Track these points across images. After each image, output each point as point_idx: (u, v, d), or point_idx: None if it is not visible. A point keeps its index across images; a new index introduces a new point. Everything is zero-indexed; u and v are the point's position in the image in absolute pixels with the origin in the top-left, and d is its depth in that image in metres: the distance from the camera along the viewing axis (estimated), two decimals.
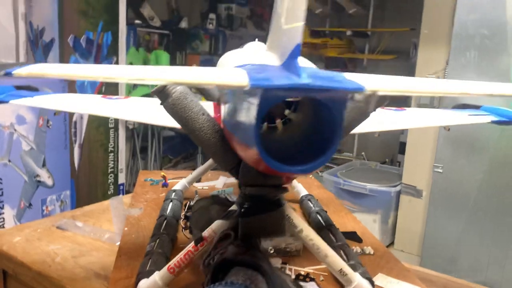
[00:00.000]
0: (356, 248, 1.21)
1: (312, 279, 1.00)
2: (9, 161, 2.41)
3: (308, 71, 0.54)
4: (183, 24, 5.07)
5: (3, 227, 2.36)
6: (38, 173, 2.55)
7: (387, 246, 3.46)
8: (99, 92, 3.03)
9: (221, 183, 1.69)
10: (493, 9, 2.58)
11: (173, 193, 1.38)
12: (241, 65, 0.74)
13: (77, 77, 0.51)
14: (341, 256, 0.97)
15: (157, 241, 1.03)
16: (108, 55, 3.09)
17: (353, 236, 1.29)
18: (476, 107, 1.13)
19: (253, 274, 0.72)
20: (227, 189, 1.56)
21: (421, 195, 3.28)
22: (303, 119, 0.71)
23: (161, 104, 0.83)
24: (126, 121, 3.50)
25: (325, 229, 1.15)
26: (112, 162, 3.22)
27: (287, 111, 0.73)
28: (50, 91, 1.09)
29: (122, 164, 3.31)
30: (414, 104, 3.19)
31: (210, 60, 5.06)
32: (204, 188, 1.64)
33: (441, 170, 2.86)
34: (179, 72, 0.55)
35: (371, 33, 4.87)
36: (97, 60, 3.00)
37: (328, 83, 0.54)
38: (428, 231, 3.01)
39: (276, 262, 1.06)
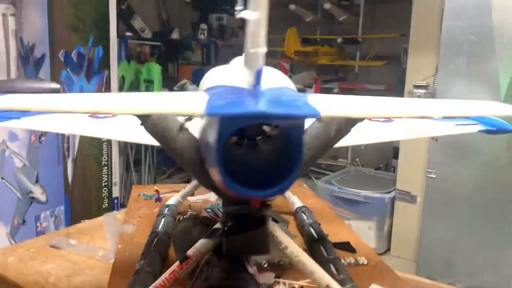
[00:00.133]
0: (349, 258, 1.21)
1: None
2: (2, 178, 2.40)
3: (270, 95, 0.54)
4: (175, 35, 5.09)
5: None
6: (32, 190, 2.54)
7: (384, 253, 3.47)
8: None
9: (215, 196, 1.69)
10: (479, 15, 2.61)
11: (166, 209, 1.38)
12: (213, 87, 0.76)
13: (34, 110, 0.51)
14: (331, 271, 0.97)
15: (146, 259, 1.03)
16: (99, 69, 3.10)
17: (346, 246, 1.29)
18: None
19: None
20: (220, 203, 1.56)
21: (415, 200, 3.29)
22: (271, 142, 0.71)
23: (141, 124, 0.83)
24: None
25: (317, 242, 1.15)
26: (106, 176, 3.21)
27: (268, 128, 0.73)
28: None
29: (116, 178, 3.30)
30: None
31: (202, 70, 5.07)
32: (197, 201, 1.64)
33: (434, 176, 2.88)
34: (136, 102, 0.56)
35: (362, 39, 4.91)
36: (89, 75, 3.00)
37: (284, 110, 0.54)
38: (423, 236, 3.02)
39: (270, 276, 1.06)
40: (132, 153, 4.35)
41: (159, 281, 0.87)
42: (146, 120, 0.82)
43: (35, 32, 2.75)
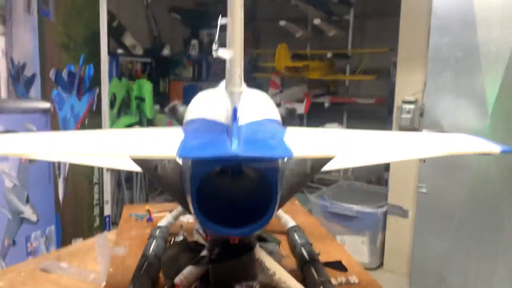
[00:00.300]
0: (341, 278, 1.22)
1: None
2: None
3: (247, 133, 0.55)
4: (166, 51, 5.11)
5: None
6: (22, 210, 2.52)
7: (377, 268, 3.46)
8: (82, 125, 3.02)
9: None
10: (464, 32, 2.66)
11: (158, 230, 1.38)
12: (194, 120, 0.77)
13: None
14: None
15: (136, 284, 1.03)
16: (90, 87, 3.10)
17: (338, 265, 1.30)
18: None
19: None
20: None
21: (407, 215, 3.30)
22: (247, 181, 0.71)
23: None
24: None
25: (308, 263, 1.15)
26: (97, 194, 3.20)
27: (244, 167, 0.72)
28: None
29: (107, 196, 3.29)
30: (395, 128, 3.25)
31: (194, 86, 5.08)
32: (189, 221, 1.63)
33: (425, 190, 2.89)
34: (107, 147, 0.56)
35: (351, 54, 4.97)
36: (80, 93, 3.00)
37: (257, 152, 0.54)
38: (416, 251, 3.03)
39: None
40: (124, 170, 4.33)
41: None
42: None
43: (25, 51, 2.75)
